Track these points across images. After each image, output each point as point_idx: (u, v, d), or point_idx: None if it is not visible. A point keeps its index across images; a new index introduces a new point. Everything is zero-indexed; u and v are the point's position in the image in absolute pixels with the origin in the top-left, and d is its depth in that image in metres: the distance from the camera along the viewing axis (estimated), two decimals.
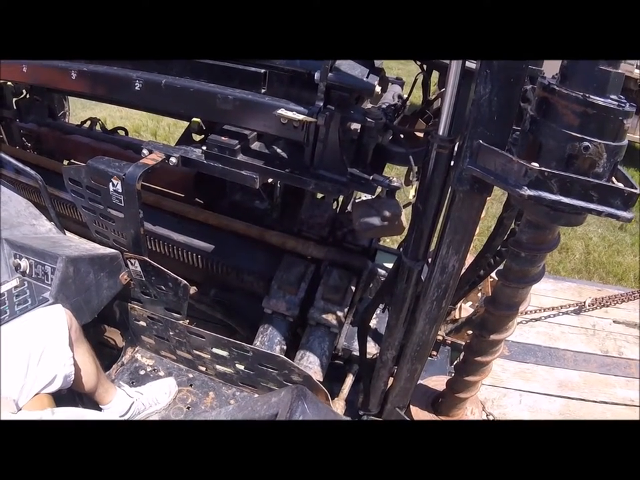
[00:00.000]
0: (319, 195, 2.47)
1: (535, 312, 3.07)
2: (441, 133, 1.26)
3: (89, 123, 2.74)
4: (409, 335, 1.67)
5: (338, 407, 1.91)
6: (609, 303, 3.24)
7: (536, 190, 1.06)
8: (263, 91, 1.70)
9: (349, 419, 2.03)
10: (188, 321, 2.58)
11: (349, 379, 2.04)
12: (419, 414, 1.94)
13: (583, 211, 1.07)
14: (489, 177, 1.15)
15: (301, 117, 1.49)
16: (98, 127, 2.78)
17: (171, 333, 2.12)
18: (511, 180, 1.09)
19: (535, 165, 1.06)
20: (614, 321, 3.18)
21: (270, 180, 2.19)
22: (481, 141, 1.16)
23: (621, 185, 1.08)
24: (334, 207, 2.40)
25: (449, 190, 1.36)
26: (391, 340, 1.72)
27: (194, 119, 2.11)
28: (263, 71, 1.65)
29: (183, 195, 2.67)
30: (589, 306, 3.18)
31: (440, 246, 1.38)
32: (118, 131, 2.85)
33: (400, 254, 1.57)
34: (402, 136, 1.76)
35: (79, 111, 4.92)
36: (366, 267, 2.11)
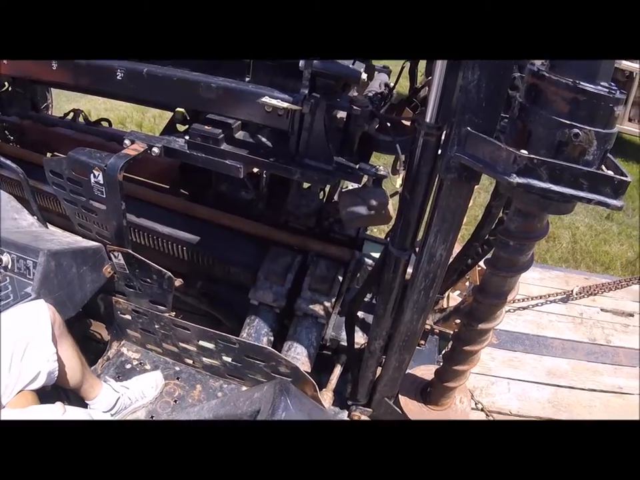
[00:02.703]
0: (306, 185, 2.44)
1: (523, 300, 3.07)
2: (428, 119, 1.24)
3: (71, 114, 2.69)
4: (396, 324, 1.66)
5: (326, 398, 1.90)
6: (596, 292, 3.25)
7: (525, 177, 1.04)
8: (247, 79, 1.68)
9: (333, 413, 2.01)
10: (174, 313, 2.58)
11: (337, 370, 2.03)
12: (408, 404, 1.93)
13: (572, 198, 1.06)
14: (477, 164, 1.13)
15: (285, 104, 1.46)
16: (81, 119, 2.73)
17: (156, 326, 2.09)
18: (500, 167, 1.07)
19: (524, 152, 1.05)
20: (601, 309, 3.20)
21: (256, 170, 2.18)
22: (468, 128, 1.14)
23: (611, 173, 1.06)
24: (320, 197, 2.38)
25: (437, 178, 1.34)
26: (378, 330, 1.70)
27: (178, 109, 2.07)
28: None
29: (168, 187, 2.64)
30: (576, 294, 3.18)
31: (427, 235, 1.37)
32: (101, 122, 2.81)
33: (387, 243, 1.55)
34: (389, 124, 1.73)
35: (63, 103, 4.84)
36: (353, 257, 2.09)
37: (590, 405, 2.56)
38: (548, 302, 3.14)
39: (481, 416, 2.30)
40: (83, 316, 2.25)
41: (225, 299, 2.41)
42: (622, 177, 1.03)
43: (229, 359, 2.00)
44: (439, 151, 1.30)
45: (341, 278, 2.09)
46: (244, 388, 2.07)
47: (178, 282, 2.46)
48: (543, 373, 2.67)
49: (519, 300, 3.05)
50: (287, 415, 1.12)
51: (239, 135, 1.73)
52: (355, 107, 1.51)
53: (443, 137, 1.29)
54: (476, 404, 2.29)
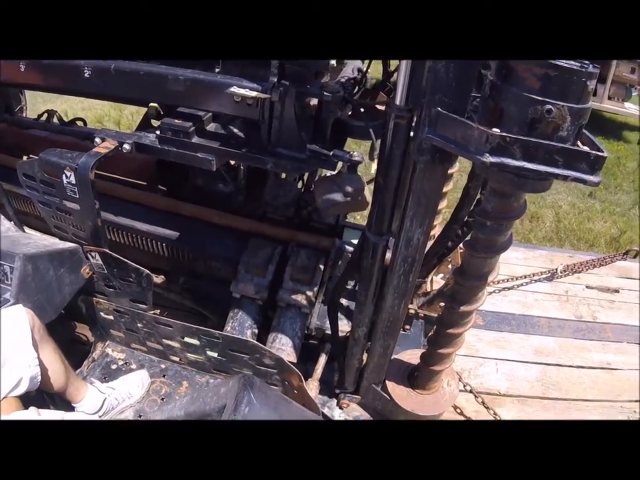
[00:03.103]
0: (284, 175, 2.42)
1: (508, 281, 3.07)
2: (398, 102, 1.22)
3: (45, 115, 2.65)
4: (378, 310, 1.65)
5: (312, 388, 1.89)
6: (580, 269, 3.26)
7: (498, 156, 1.03)
8: (217, 69, 1.65)
9: (320, 403, 2.00)
10: (159, 310, 2.55)
11: (322, 359, 2.01)
12: (395, 389, 1.93)
13: (548, 176, 1.05)
14: (450, 145, 1.12)
15: (253, 93, 1.44)
16: (55, 120, 2.69)
17: (139, 325, 2.07)
18: (472, 147, 1.06)
19: (497, 130, 1.03)
20: (587, 287, 3.20)
21: (233, 162, 2.16)
22: (439, 109, 1.12)
23: (586, 149, 1.05)
24: (299, 186, 2.36)
25: (411, 161, 1.33)
26: (361, 317, 1.69)
27: (151, 104, 2.04)
28: None
29: (145, 183, 2.61)
30: (560, 272, 3.18)
31: (403, 219, 1.35)
32: (76, 122, 2.76)
33: (364, 229, 1.53)
34: (362, 109, 1.71)
35: (39, 105, 4.77)
36: (333, 245, 2.08)
37: (579, 381, 2.57)
38: (533, 281, 3.14)
39: (469, 398, 2.29)
40: (66, 318, 2.23)
41: (209, 294, 2.39)
42: (598, 152, 1.02)
43: (213, 354, 1.99)
44: (411, 134, 1.28)
45: (322, 267, 2.07)
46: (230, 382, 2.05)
47: (160, 279, 2.47)
48: (531, 352, 2.67)
49: (503, 280, 3.05)
50: (250, 409, 1.11)
51: (211, 127, 1.70)
52: (325, 93, 1.49)
53: (415, 120, 1.27)
54: (464, 386, 2.29)
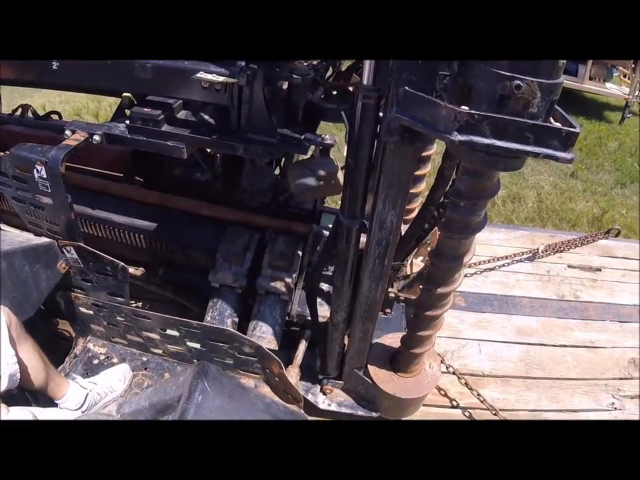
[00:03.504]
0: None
1: (489, 262, 3.07)
2: (365, 82, 1.20)
3: (20, 110, 2.60)
4: (356, 295, 1.64)
5: (292, 375, 1.88)
6: (562, 248, 3.27)
7: (467, 135, 1.01)
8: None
9: (303, 390, 2.00)
10: (141, 303, 2.54)
11: (302, 345, 2.00)
12: (377, 373, 1.93)
13: (518, 153, 1.02)
14: (418, 124, 1.10)
15: (221, 78, 1.41)
16: (30, 114, 2.64)
17: (118, 318, 2.06)
18: (440, 126, 1.04)
19: (465, 108, 1.01)
20: (568, 266, 3.21)
21: (209, 150, 2.13)
22: (407, 88, 1.10)
23: (558, 125, 1.03)
24: (275, 172, 2.34)
25: (381, 143, 1.31)
26: (339, 302, 1.68)
27: (124, 94, 2.01)
28: None
29: (121, 175, 2.58)
30: (542, 252, 3.19)
31: (376, 202, 1.34)
32: (51, 115, 2.72)
33: (338, 213, 1.52)
34: (335, 92, 1.70)
35: (17, 99, 4.71)
36: (311, 230, 2.06)
37: (562, 360, 2.57)
38: (514, 262, 3.14)
39: (453, 379, 2.30)
40: (47, 315, 2.21)
41: (189, 284, 2.37)
42: (570, 129, 1.00)
43: (193, 345, 1.97)
44: (381, 114, 1.26)
45: (300, 253, 2.06)
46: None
47: (140, 271, 2.44)
48: (513, 332, 2.67)
49: (485, 261, 3.05)
50: (203, 397, 1.10)
51: (181, 114, 1.67)
52: (295, 76, 1.46)
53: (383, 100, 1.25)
54: (447, 368, 2.29)
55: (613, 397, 2.43)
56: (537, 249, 3.18)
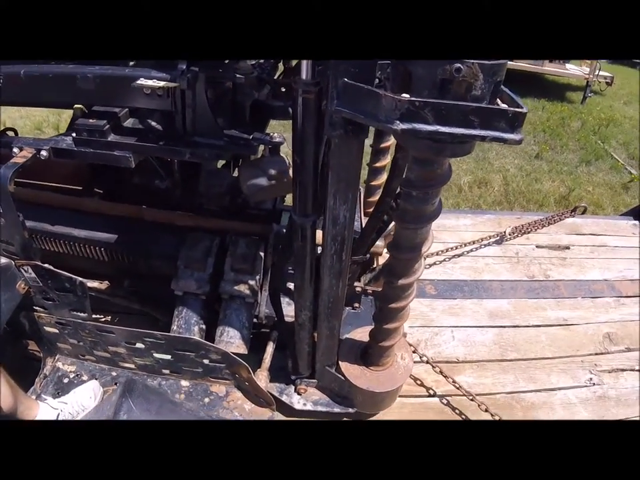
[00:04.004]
0: (220, 164, 2.38)
1: (457, 248, 3.07)
2: (304, 77, 1.17)
3: None
4: (318, 292, 1.62)
5: (261, 378, 1.85)
6: (529, 229, 3.29)
7: (409, 122, 0.99)
8: (131, 62, 1.59)
9: (277, 391, 1.98)
10: (109, 317, 2.49)
11: (270, 348, 1.98)
12: (349, 368, 1.91)
13: (464, 138, 1.01)
14: (359, 116, 1.08)
15: (161, 83, 1.38)
16: None
17: (82, 335, 2.02)
18: (382, 116, 1.02)
19: (406, 96, 0.99)
20: (537, 246, 3.22)
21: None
22: (345, 79, 1.07)
23: (505, 106, 1.02)
24: (234, 174, 2.31)
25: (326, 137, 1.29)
26: (301, 301, 1.66)
27: (76, 106, 1.97)
28: None
29: (80, 188, 2.53)
30: (509, 235, 3.20)
31: (326, 197, 1.32)
32: (6, 132, 2.66)
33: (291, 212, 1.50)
34: (283, 89, 1.67)
35: None
36: (272, 230, 2.04)
37: (536, 340, 2.58)
38: (482, 246, 3.15)
39: (428, 368, 2.29)
40: (15, 337, 2.16)
41: (155, 294, 2.33)
42: (516, 109, 0.98)
43: (160, 356, 1.94)
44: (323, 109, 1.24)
45: (263, 254, 2.03)
46: (183, 382, 2.01)
47: (104, 284, 2.39)
48: (486, 316, 2.68)
49: (452, 248, 3.05)
50: (129, 416, 1.07)
51: (128, 122, 1.65)
52: (238, 76, 1.44)
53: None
54: (421, 357, 2.28)
55: (590, 373, 2.44)
56: (504, 232, 3.19)
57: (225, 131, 1.52)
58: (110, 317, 2.53)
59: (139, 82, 1.40)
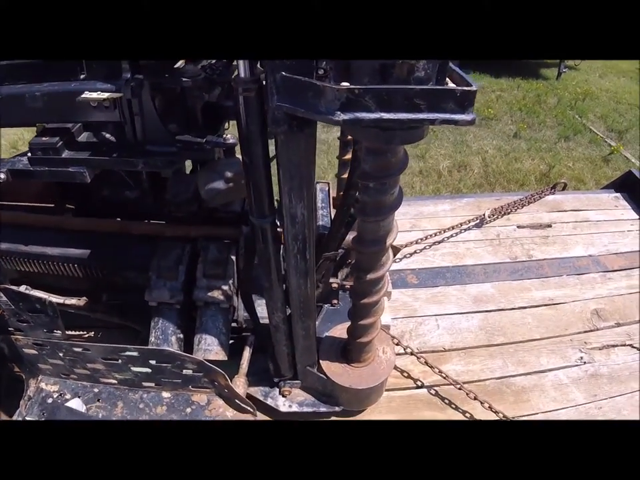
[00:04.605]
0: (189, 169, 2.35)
1: (437, 234, 3.04)
2: (242, 75, 1.14)
3: None
4: (288, 293, 1.59)
5: (239, 385, 1.82)
6: (509, 210, 3.25)
7: (351, 112, 0.96)
8: (82, 76, 1.55)
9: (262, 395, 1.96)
10: (93, 333, 2.47)
11: (246, 353, 1.95)
12: (330, 367, 1.90)
13: (411, 123, 0.98)
14: (300, 109, 1.04)
15: (105, 95, 1.35)
16: None
17: (60, 354, 1.99)
18: (322, 107, 0.99)
19: (345, 84, 0.96)
20: (518, 227, 3.19)
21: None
22: (283, 73, 1.04)
23: (453, 86, 0.98)
24: None
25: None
26: (272, 303, 1.63)
27: (38, 124, 1.95)
28: None
29: (52, 205, 2.50)
30: (489, 217, 3.17)
31: (281, 197, 1.29)
32: None
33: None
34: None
35: None
36: (241, 233, 2.01)
37: (523, 323, 2.56)
38: (462, 230, 3.11)
39: (414, 360, 2.26)
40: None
41: (133, 306, 2.30)
42: (465, 88, 0.95)
43: (138, 369, 1.91)
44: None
45: (234, 257, 2.00)
46: (164, 394, 1.98)
47: (83, 301, 2.37)
48: (470, 302, 2.65)
49: (431, 235, 3.02)
50: None
51: (83, 137, 1.62)
52: (184, 80, 1.41)
53: None
54: (404, 349, 2.25)
55: (581, 351, 2.42)
56: (484, 215, 3.16)
57: (178, 136, 1.49)
58: (94, 333, 2.51)
59: (83, 96, 1.37)
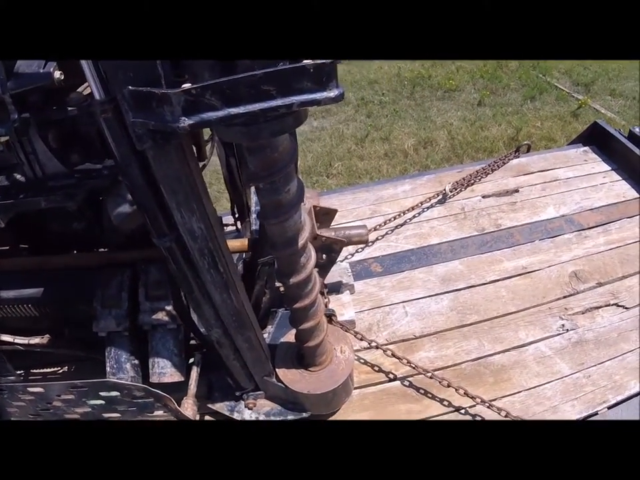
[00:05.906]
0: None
1: (397, 217, 2.95)
2: (97, 96, 1.07)
3: None
4: (217, 308, 1.55)
5: (187, 407, 1.78)
6: (472, 181, 3.17)
7: (195, 115, 0.90)
8: None
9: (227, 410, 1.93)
10: (67, 368, 2.45)
11: (194, 372, 1.91)
12: (287, 374, 1.86)
13: (267, 112, 0.90)
14: (150, 122, 0.97)
15: None
16: None
17: (19, 396, 1.97)
18: (168, 115, 0.92)
19: (186, 85, 0.89)
20: (483, 196, 3.11)
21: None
22: (129, 87, 0.97)
23: (307, 62, 0.88)
24: None
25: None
26: (204, 320, 1.60)
27: None
28: None
29: (7, 248, 2.48)
30: (450, 191, 3.08)
31: (172, 214, 1.24)
32: None
33: None
34: None
35: None
36: None
37: (496, 297, 2.49)
38: (425, 209, 3.04)
39: (377, 354, 2.21)
40: None
41: (93, 338, 2.28)
42: (317, 62, 0.87)
43: (93, 402, 1.88)
44: None
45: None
46: None
47: (45, 338, 2.35)
48: (438, 283, 2.59)
49: (392, 219, 2.93)
50: None
51: None
52: (69, 109, 1.37)
53: None
54: (369, 343, 2.17)
55: (561, 319, 2.35)
56: (444, 189, 3.08)
57: (78, 167, 1.45)
58: (67, 367, 2.50)
59: None
